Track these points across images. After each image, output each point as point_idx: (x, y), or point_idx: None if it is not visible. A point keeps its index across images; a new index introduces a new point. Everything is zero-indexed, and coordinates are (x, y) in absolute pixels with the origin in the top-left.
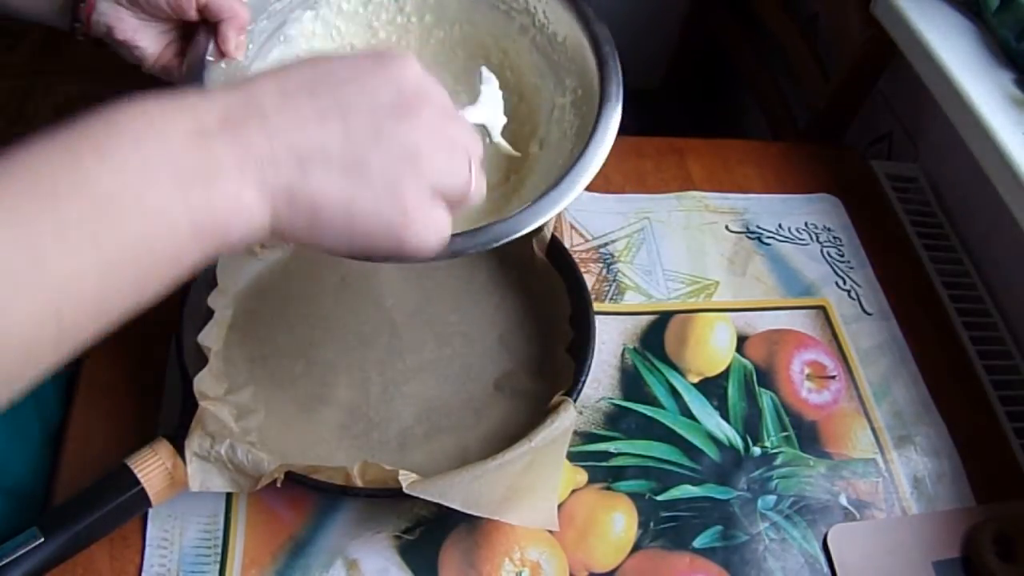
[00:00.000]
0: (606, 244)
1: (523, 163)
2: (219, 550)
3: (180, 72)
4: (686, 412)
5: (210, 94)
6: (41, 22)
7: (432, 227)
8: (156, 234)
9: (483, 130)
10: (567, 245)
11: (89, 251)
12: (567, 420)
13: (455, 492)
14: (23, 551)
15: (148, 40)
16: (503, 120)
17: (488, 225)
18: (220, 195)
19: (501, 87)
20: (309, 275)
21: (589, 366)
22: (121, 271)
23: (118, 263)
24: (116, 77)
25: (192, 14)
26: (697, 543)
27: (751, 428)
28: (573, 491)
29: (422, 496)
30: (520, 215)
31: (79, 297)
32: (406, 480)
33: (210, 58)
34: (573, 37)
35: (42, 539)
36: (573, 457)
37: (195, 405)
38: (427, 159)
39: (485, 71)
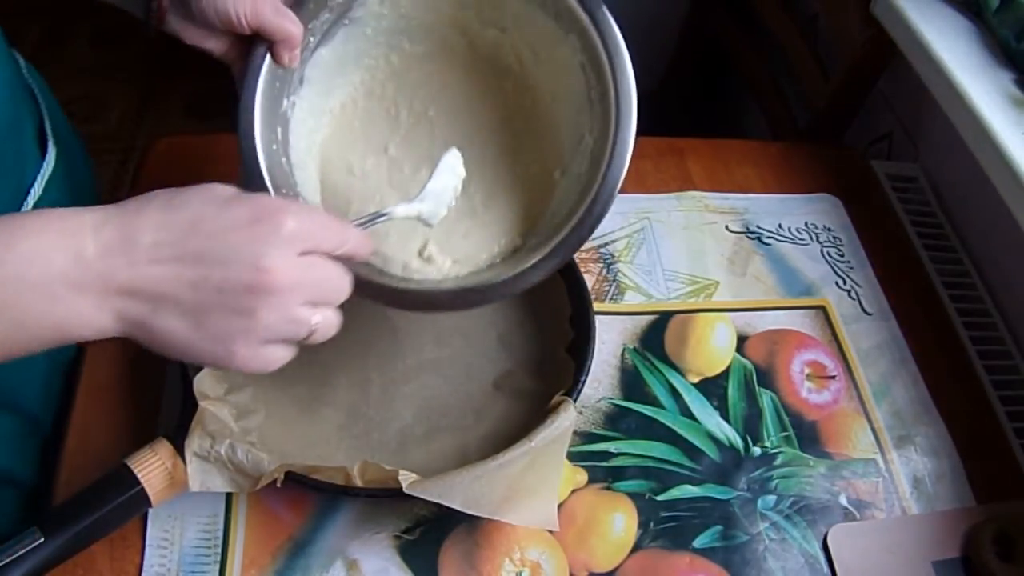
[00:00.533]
0: (606, 244)
1: (545, 190)
2: (219, 550)
3: (239, 74)
4: (686, 412)
5: (101, 221)
6: (116, 5)
7: (256, 362)
8: (23, 325)
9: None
10: None
11: None
12: (567, 420)
13: (455, 492)
14: (23, 551)
15: (213, 43)
16: (444, 211)
17: (498, 282)
18: (75, 315)
19: (541, 115)
20: None
21: (589, 366)
22: None
23: None
24: (116, 74)
25: (245, 31)
26: (697, 543)
27: (751, 428)
28: (573, 491)
29: (422, 496)
30: (528, 272)
31: None
32: (406, 480)
33: (266, 64)
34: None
35: (42, 539)
36: (573, 457)
37: (195, 405)
38: (261, 322)
39: (450, 155)
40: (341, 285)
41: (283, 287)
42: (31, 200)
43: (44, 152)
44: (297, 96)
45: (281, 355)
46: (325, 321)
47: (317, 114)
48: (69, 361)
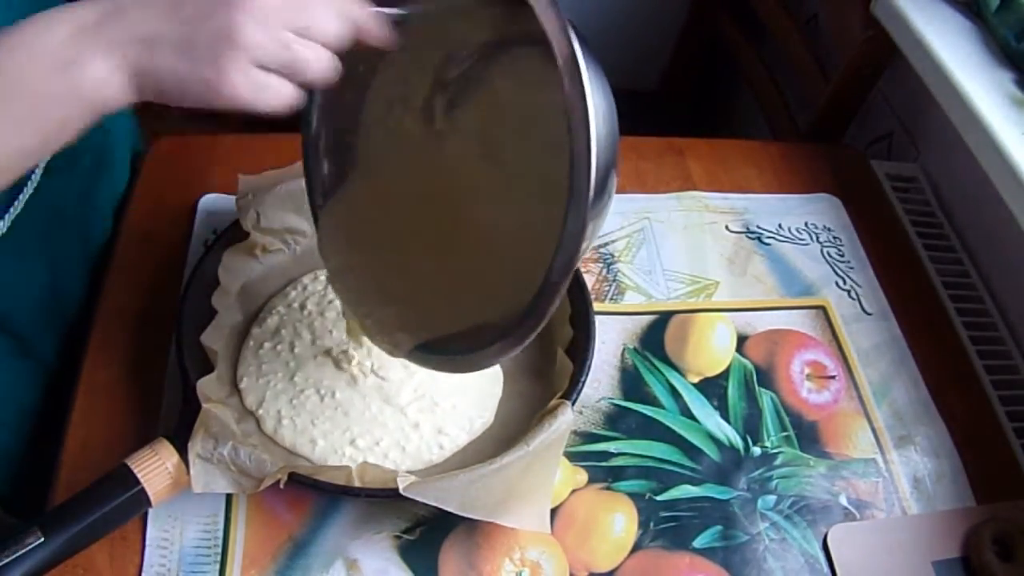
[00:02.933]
0: (606, 244)
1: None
2: (219, 550)
3: None
4: (686, 412)
5: (91, 2)
6: None
7: (249, 85)
8: (47, 104)
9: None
10: None
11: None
12: (564, 423)
13: (452, 495)
14: (23, 551)
15: None
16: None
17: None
18: (90, 75)
19: None
20: (324, 293)
21: (589, 366)
22: (25, 128)
23: (22, 122)
24: None
25: None
26: (697, 543)
27: (751, 428)
28: (573, 491)
29: (419, 498)
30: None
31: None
32: (404, 482)
33: None
34: None
35: (42, 539)
36: (573, 457)
37: (197, 406)
38: (244, 39)
39: None
40: (328, 23)
41: (255, 38)
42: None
43: None
44: None
45: (276, 85)
46: (317, 55)
47: None
48: (67, 296)
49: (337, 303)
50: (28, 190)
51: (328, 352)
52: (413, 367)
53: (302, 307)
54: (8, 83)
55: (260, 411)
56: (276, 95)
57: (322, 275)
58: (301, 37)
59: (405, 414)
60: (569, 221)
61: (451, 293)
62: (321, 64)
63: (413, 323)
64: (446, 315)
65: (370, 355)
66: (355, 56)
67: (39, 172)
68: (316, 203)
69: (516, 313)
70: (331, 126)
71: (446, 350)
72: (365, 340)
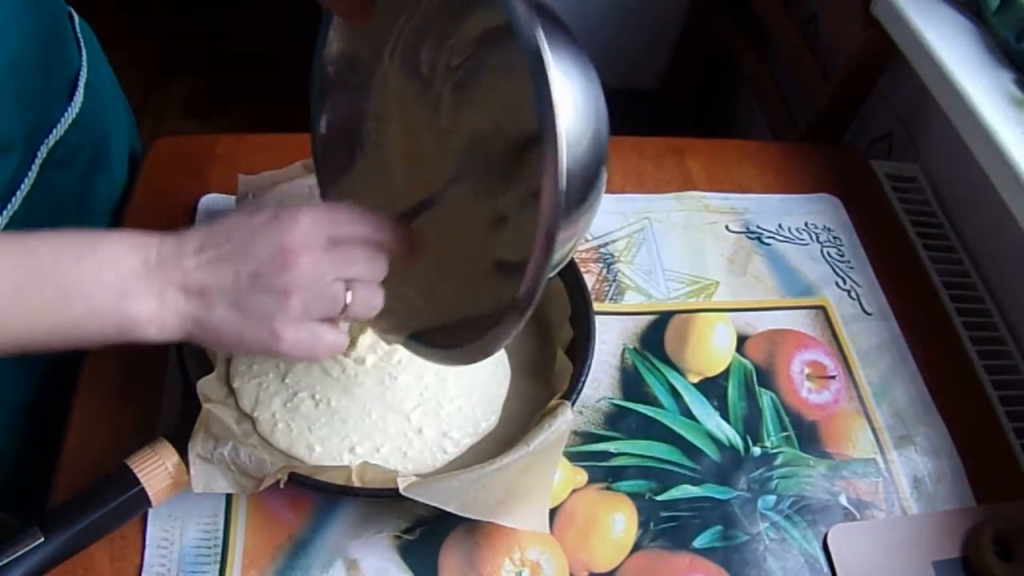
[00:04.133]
0: (606, 244)
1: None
2: (219, 550)
3: None
4: (686, 412)
5: (162, 238)
6: None
7: (303, 343)
8: (90, 319)
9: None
10: None
11: (47, 313)
12: (564, 424)
13: (452, 496)
14: (23, 551)
15: None
16: None
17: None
18: (138, 311)
19: None
20: None
21: (589, 366)
22: (58, 331)
23: (60, 324)
24: (116, 74)
25: None
26: (697, 543)
27: (751, 428)
28: (573, 491)
29: (419, 499)
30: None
31: (31, 340)
32: (404, 482)
33: None
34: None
35: (42, 539)
36: (573, 457)
37: (197, 407)
38: (294, 299)
39: None
40: (373, 264)
41: (307, 263)
42: (52, 139)
43: (71, 98)
44: None
45: (328, 336)
46: (362, 295)
47: None
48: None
49: None
50: (24, 188)
51: None
52: (422, 370)
53: None
54: (63, 291)
55: (256, 413)
56: (328, 346)
57: None
58: (347, 282)
59: (409, 419)
60: (541, 223)
61: (443, 284)
62: (369, 302)
63: (406, 315)
64: (440, 306)
65: (375, 351)
66: (359, 44)
67: (35, 169)
68: (324, 189)
69: (505, 304)
70: (339, 112)
71: (440, 343)
72: (370, 335)
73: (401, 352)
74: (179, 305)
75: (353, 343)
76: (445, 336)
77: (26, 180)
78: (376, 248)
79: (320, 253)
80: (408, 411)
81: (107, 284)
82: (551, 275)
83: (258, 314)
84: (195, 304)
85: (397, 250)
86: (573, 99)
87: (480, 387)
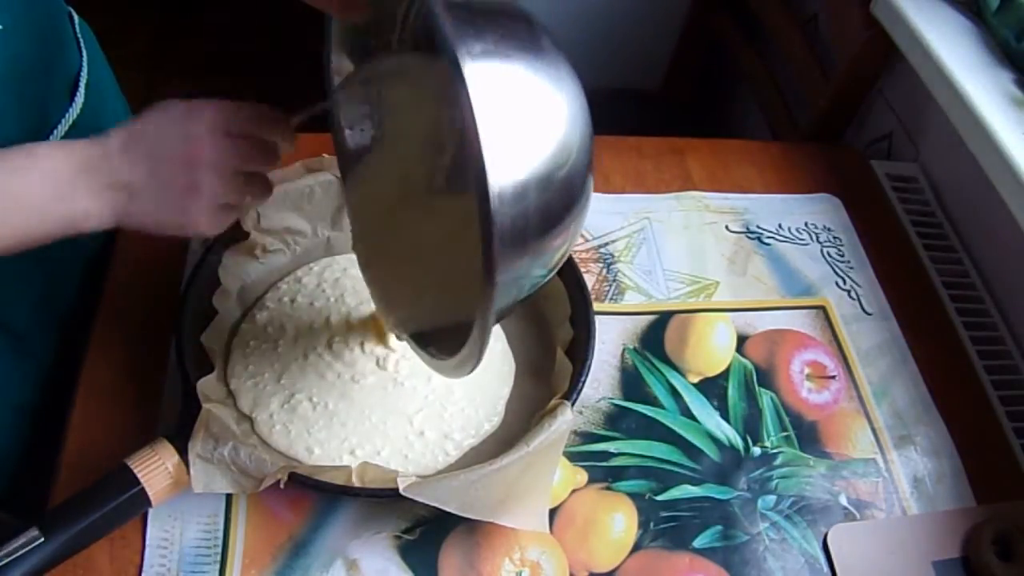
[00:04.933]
0: (606, 244)
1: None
2: (219, 550)
3: None
4: (686, 412)
5: (89, 142)
6: None
7: (212, 224)
8: (40, 221)
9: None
10: None
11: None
12: (564, 424)
13: (452, 495)
14: (23, 551)
15: None
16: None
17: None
18: (79, 208)
19: None
20: (314, 290)
21: (589, 366)
22: (12, 232)
23: (13, 228)
24: (115, 73)
25: None
26: (697, 543)
27: (751, 428)
28: (573, 491)
29: (419, 499)
30: None
31: None
32: (404, 482)
33: None
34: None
35: (42, 539)
36: (573, 457)
37: (197, 407)
38: (205, 190)
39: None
40: (266, 155)
41: (211, 156)
42: (53, 139)
43: (72, 99)
44: None
45: (228, 216)
46: (259, 186)
47: None
48: (63, 294)
49: (328, 295)
50: None
51: (314, 349)
52: (431, 372)
53: (292, 300)
54: (12, 199)
55: (254, 414)
56: (227, 222)
57: (315, 267)
58: (247, 172)
59: (411, 422)
60: (485, 260)
61: (424, 291)
62: (263, 191)
63: (407, 312)
64: (430, 306)
65: (375, 354)
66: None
67: None
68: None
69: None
70: (354, 99)
71: (431, 352)
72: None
73: (407, 358)
74: (107, 199)
75: (385, 338)
76: (437, 345)
77: None
78: (269, 143)
79: (223, 139)
80: (411, 414)
81: (49, 193)
82: (512, 305)
83: (175, 206)
84: (121, 196)
85: (285, 146)
86: (514, 129)
87: (485, 388)
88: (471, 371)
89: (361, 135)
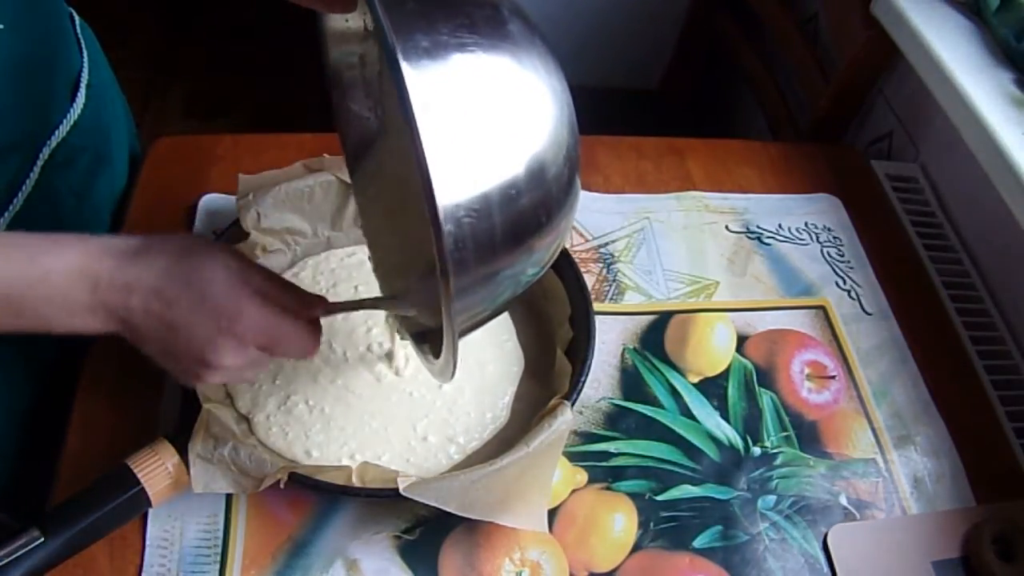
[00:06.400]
0: (606, 244)
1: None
2: (219, 550)
3: None
4: (686, 412)
5: (118, 260)
6: None
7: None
8: (45, 323)
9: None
10: (567, 245)
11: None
12: (564, 424)
13: (452, 495)
14: (23, 551)
15: None
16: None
17: None
18: (89, 325)
19: None
20: (310, 283)
21: (589, 366)
22: (12, 324)
23: (18, 321)
24: (116, 74)
25: None
26: (697, 543)
27: (751, 428)
28: (573, 491)
29: (419, 499)
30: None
31: None
32: (404, 482)
33: None
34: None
35: (42, 539)
36: (573, 457)
37: (197, 406)
38: (219, 366)
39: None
40: (289, 351)
41: (228, 368)
42: (54, 140)
43: (74, 99)
44: None
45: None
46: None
47: None
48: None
49: (322, 287)
50: (27, 189)
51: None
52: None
53: None
54: (16, 305)
55: (252, 415)
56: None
57: (310, 262)
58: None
59: (414, 428)
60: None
61: (416, 283)
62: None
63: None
64: (425, 307)
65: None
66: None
67: (38, 170)
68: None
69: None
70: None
71: (424, 351)
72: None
73: (413, 366)
74: (120, 327)
75: (392, 357)
76: (431, 344)
77: (28, 181)
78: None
79: (241, 362)
80: (415, 420)
81: (57, 307)
82: (487, 315)
83: (184, 367)
84: (132, 334)
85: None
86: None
87: (493, 389)
88: (449, 378)
89: (365, 121)
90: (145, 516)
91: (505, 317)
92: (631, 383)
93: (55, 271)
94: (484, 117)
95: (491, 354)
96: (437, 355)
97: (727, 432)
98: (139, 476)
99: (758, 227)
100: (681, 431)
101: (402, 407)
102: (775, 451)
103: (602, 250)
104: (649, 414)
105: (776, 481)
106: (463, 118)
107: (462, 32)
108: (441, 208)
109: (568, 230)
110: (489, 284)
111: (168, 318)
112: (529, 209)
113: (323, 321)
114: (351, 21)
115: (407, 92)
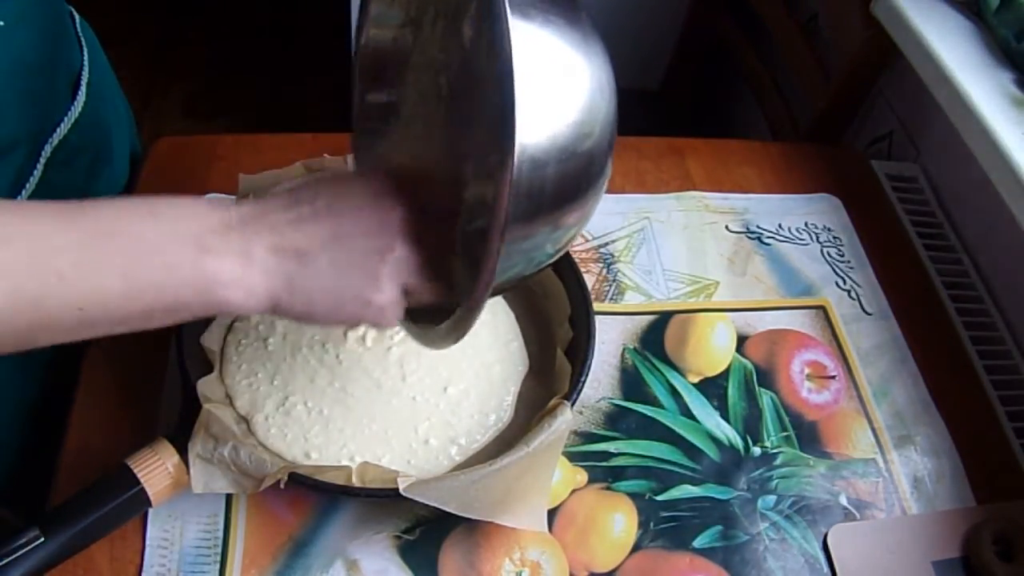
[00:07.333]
0: (606, 244)
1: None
2: (219, 550)
3: None
4: (686, 412)
5: (232, 202)
6: None
7: (392, 307)
8: (167, 280)
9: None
10: None
11: (117, 274)
12: (564, 424)
13: (452, 495)
14: (23, 551)
15: None
16: None
17: None
18: (226, 268)
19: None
20: None
21: (589, 366)
22: (135, 293)
23: (137, 288)
24: (116, 74)
25: None
26: (697, 543)
27: (751, 428)
28: (573, 491)
29: (419, 499)
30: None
31: (102, 305)
32: (404, 482)
33: None
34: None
35: (42, 539)
36: (573, 457)
37: (197, 407)
38: (400, 253)
39: None
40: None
41: (385, 308)
42: (55, 138)
43: (74, 97)
44: None
45: (399, 311)
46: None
47: None
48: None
49: None
50: (29, 187)
51: (300, 349)
52: (446, 383)
53: None
54: (139, 247)
55: (251, 417)
56: (397, 318)
57: None
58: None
59: (416, 430)
60: (491, 230)
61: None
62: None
63: None
64: None
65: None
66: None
67: (39, 169)
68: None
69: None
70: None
71: (419, 321)
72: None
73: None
74: (268, 264)
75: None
76: (429, 316)
77: (31, 179)
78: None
79: (403, 252)
80: (417, 423)
81: (184, 237)
82: (514, 280)
83: (362, 268)
84: (290, 263)
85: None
86: (547, 78)
87: (498, 389)
88: (466, 331)
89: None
90: (145, 516)
91: (510, 318)
92: (631, 383)
93: (176, 202)
94: (559, 76)
95: (497, 355)
96: (437, 320)
97: (727, 432)
98: (139, 476)
99: (758, 227)
100: (681, 431)
101: (403, 410)
102: (775, 451)
103: (602, 250)
104: (649, 414)
105: (776, 481)
106: (546, 68)
107: (548, 4)
108: (518, 144)
109: (590, 217)
110: (523, 243)
111: (320, 205)
112: (572, 175)
113: None
114: None
115: (507, 23)
